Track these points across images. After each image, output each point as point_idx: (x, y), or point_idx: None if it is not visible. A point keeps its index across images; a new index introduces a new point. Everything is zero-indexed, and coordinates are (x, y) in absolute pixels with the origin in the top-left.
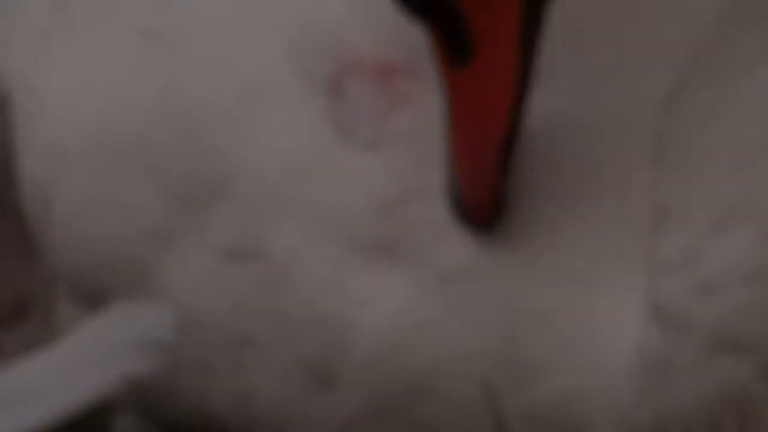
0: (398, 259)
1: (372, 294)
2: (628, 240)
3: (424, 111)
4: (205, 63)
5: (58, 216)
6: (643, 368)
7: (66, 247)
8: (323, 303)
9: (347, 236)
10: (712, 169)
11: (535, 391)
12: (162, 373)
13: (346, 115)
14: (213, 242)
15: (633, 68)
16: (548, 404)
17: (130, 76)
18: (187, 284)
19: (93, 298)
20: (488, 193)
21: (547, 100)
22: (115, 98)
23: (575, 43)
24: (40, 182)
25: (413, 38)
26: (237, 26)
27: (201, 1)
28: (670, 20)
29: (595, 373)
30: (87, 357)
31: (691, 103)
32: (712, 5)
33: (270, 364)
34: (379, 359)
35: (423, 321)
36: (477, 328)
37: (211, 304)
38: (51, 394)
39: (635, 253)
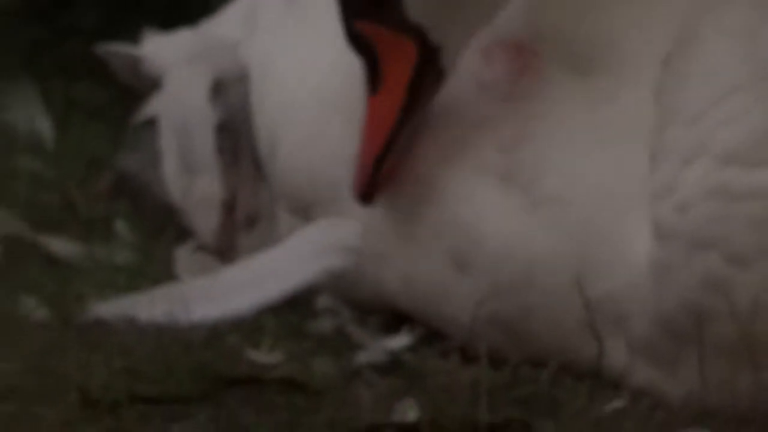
0: (512, 187)
1: (494, 208)
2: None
3: (541, 76)
4: None
5: (281, 154)
6: (651, 270)
7: (285, 176)
8: (462, 213)
9: (478, 166)
10: (680, 120)
11: (596, 288)
12: (349, 266)
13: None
14: None
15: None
16: (601, 299)
17: (337, 55)
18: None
19: (304, 212)
20: (366, 188)
21: None
22: (326, 69)
23: None
24: (269, 132)
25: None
26: None
27: None
28: None
29: (630, 276)
30: (298, 255)
31: (673, 65)
32: None
33: (428, 253)
34: (498, 253)
35: (525, 231)
36: (560, 241)
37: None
38: (272, 281)
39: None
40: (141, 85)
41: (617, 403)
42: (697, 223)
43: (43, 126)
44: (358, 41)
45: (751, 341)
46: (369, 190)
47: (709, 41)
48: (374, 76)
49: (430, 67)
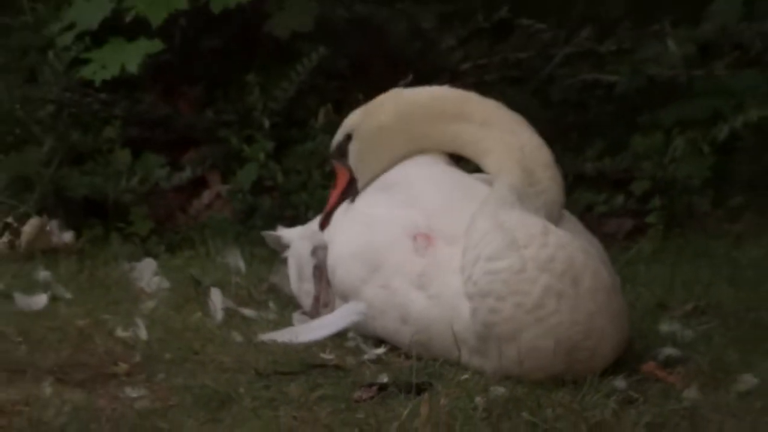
0: (423, 288)
1: (417, 296)
2: None
3: (436, 245)
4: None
5: (334, 280)
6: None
7: (336, 286)
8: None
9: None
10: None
11: (456, 327)
12: (360, 321)
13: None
14: None
15: None
16: (457, 331)
17: (355, 234)
18: None
19: (345, 299)
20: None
21: None
22: (348, 242)
23: None
24: (331, 267)
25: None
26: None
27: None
28: None
29: (464, 320)
30: (340, 316)
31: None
32: None
33: (391, 318)
34: (420, 318)
35: (426, 307)
36: (440, 312)
37: None
38: (329, 327)
39: None
40: (281, 248)
41: (465, 376)
42: (479, 287)
43: None
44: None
45: (509, 340)
46: (324, 225)
47: (478, 230)
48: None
49: (351, 186)
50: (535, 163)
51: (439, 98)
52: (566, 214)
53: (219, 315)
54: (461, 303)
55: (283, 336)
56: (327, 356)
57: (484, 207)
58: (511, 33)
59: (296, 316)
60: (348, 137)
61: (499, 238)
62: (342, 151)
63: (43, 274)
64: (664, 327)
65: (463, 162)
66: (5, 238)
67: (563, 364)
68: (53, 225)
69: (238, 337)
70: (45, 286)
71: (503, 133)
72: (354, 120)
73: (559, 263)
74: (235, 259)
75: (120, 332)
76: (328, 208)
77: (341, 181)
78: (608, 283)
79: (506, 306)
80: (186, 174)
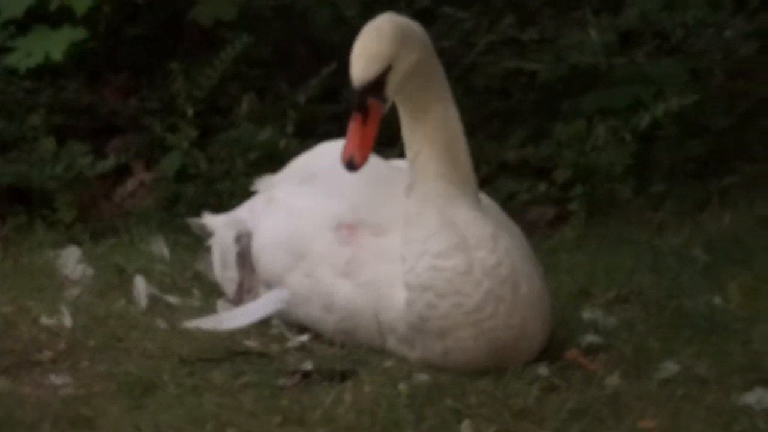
0: (349, 275)
1: (342, 283)
2: None
3: (360, 235)
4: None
5: (259, 266)
6: (406, 304)
7: (262, 271)
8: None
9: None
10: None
11: (384, 316)
12: (283, 309)
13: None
14: None
15: None
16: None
17: (275, 222)
18: None
19: (269, 286)
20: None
21: None
22: (271, 230)
23: None
24: (256, 254)
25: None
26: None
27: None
28: None
29: (397, 309)
30: (265, 303)
31: (407, 227)
32: None
33: (314, 306)
34: (345, 305)
35: (353, 293)
36: (367, 298)
37: None
38: (253, 313)
39: None
40: (205, 234)
41: (389, 363)
42: (421, 281)
43: None
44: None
45: (441, 336)
46: (360, 164)
47: (426, 226)
48: (364, 116)
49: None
50: (459, 150)
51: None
52: (487, 201)
53: (143, 302)
54: (393, 291)
55: (207, 323)
56: (251, 343)
57: (427, 199)
58: (434, 21)
59: (220, 303)
60: (389, 68)
61: (448, 236)
62: (379, 84)
63: None
64: (587, 314)
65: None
66: None
67: (491, 360)
68: None
69: (162, 324)
70: None
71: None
72: (390, 50)
73: (504, 269)
74: (159, 247)
75: (44, 319)
76: (367, 141)
77: (376, 115)
78: (540, 287)
79: (445, 304)
80: (110, 162)
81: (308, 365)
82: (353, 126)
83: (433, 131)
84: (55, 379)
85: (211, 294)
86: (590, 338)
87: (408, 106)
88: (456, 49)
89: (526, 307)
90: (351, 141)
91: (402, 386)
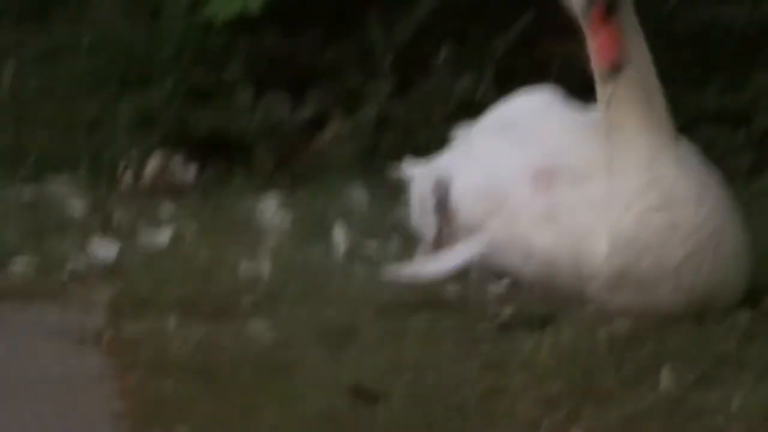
0: (550, 221)
1: (543, 231)
2: None
3: (559, 183)
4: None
5: (459, 213)
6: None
7: (461, 218)
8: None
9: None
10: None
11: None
12: (483, 254)
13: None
14: None
15: None
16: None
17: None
18: None
19: (469, 234)
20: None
21: None
22: (476, 174)
23: None
24: (456, 201)
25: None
26: None
27: None
28: None
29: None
30: (464, 250)
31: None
32: None
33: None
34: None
35: (553, 240)
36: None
37: None
38: (453, 259)
39: None
40: (404, 182)
41: (588, 310)
42: (624, 234)
43: None
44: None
45: (642, 288)
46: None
47: (633, 180)
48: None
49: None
50: (655, 97)
51: None
52: (687, 147)
53: (342, 249)
54: (596, 240)
55: (406, 270)
56: (450, 290)
57: (630, 149)
58: None
59: (419, 250)
60: None
61: (655, 192)
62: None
63: (166, 211)
64: None
65: None
66: (129, 175)
67: (690, 311)
68: (176, 162)
69: (361, 270)
70: (169, 222)
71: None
72: None
73: (708, 227)
74: (358, 194)
75: (243, 267)
76: (618, 37)
77: (615, 36)
78: (742, 241)
79: (647, 258)
80: (308, 111)
81: (507, 312)
82: (597, 27)
83: (627, 78)
84: (255, 326)
85: (410, 242)
86: None
87: None
88: None
89: (728, 262)
90: (604, 44)
91: (601, 333)
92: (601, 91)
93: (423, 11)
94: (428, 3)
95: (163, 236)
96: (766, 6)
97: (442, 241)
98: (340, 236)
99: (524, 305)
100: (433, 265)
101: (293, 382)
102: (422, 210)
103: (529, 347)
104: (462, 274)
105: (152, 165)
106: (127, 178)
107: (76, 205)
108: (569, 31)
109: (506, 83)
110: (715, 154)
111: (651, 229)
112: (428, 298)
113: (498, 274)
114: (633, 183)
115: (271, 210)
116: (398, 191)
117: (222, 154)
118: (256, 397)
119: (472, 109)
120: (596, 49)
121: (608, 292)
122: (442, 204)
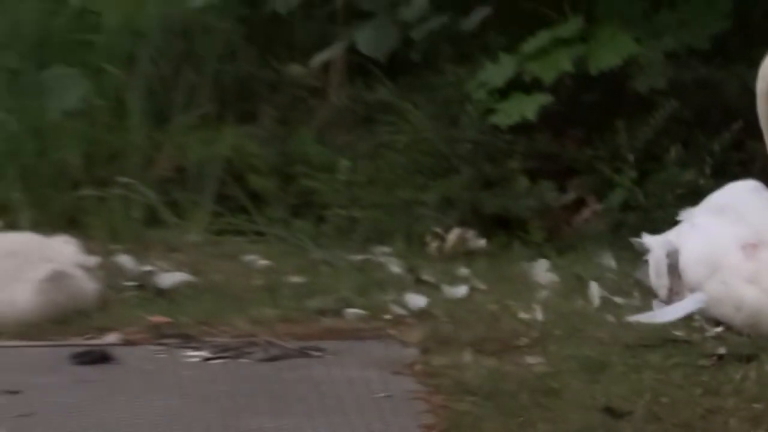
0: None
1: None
2: None
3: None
4: None
5: (685, 277)
6: None
7: (687, 280)
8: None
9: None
10: None
11: None
12: (700, 307)
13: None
14: None
15: None
16: None
17: (702, 244)
18: None
19: (691, 291)
20: None
21: None
22: (699, 246)
23: None
24: (683, 267)
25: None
26: None
27: None
28: None
29: None
30: (688, 303)
31: None
32: None
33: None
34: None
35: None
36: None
37: None
38: (680, 310)
39: None
40: (644, 251)
41: None
42: None
43: None
44: None
45: None
46: None
47: None
48: None
49: None
50: None
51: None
52: None
53: (596, 301)
54: None
55: (645, 317)
56: (678, 333)
57: None
58: None
59: (655, 303)
60: None
61: None
62: None
63: (463, 271)
64: None
65: None
66: (435, 244)
67: None
68: (471, 234)
69: (611, 318)
70: (465, 280)
71: None
72: None
73: None
74: (608, 260)
75: (522, 315)
76: None
77: None
78: None
79: None
80: (570, 196)
81: (722, 350)
82: None
83: None
84: (530, 360)
85: (648, 296)
86: None
87: None
88: None
89: None
90: None
91: None
92: None
93: (659, 119)
94: (663, 113)
95: (460, 290)
96: None
97: (672, 296)
98: (595, 292)
99: (735, 345)
100: (666, 314)
101: (560, 403)
102: (657, 272)
103: (739, 376)
104: (688, 321)
105: (453, 236)
106: (434, 246)
107: (395, 267)
108: None
109: (721, 176)
110: None
111: None
112: (662, 338)
113: (715, 321)
114: None
115: (542, 272)
116: (639, 258)
117: (505, 229)
118: (532, 414)
119: (696, 195)
120: None
121: None
122: (673, 268)
